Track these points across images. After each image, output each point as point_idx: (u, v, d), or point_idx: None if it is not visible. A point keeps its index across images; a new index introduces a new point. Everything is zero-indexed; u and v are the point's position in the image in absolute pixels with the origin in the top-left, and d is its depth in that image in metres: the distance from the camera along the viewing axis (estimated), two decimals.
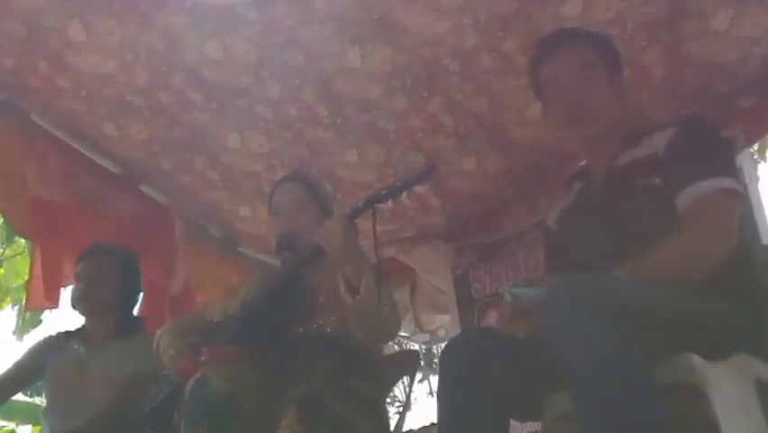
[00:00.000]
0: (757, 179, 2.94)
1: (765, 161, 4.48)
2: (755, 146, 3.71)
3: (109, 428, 2.53)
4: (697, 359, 1.46)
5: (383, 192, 1.97)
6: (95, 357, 2.72)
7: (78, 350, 2.76)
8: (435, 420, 1.70)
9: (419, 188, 3.36)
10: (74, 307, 2.80)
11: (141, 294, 3.00)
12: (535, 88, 1.99)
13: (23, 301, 4.58)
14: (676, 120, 1.87)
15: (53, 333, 2.90)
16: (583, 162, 2.02)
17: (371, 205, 1.97)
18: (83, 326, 2.84)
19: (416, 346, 4.95)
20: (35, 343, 2.88)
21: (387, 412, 2.22)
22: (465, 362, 1.66)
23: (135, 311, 2.98)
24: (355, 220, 2.03)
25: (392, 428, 2.31)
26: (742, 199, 1.69)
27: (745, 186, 2.33)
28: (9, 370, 2.79)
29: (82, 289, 2.76)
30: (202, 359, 2.00)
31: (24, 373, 2.81)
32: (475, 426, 1.60)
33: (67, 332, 2.87)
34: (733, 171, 1.70)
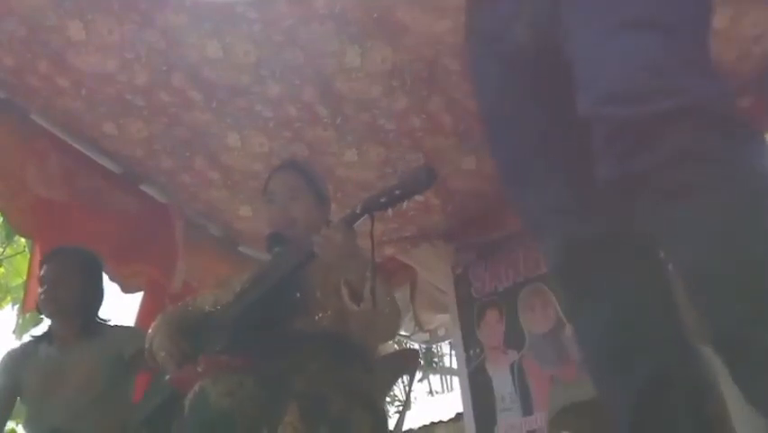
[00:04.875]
0: None
1: None
2: None
3: (103, 411, 2.54)
4: (705, 348, 1.46)
5: (382, 200, 1.88)
6: (70, 356, 2.70)
7: (50, 352, 2.74)
8: (434, 420, 1.68)
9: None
10: (39, 310, 2.80)
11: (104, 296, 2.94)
12: None
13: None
14: None
15: (16, 345, 2.87)
16: None
17: (369, 212, 1.90)
18: (49, 328, 2.82)
19: (416, 346, 4.95)
20: (2, 361, 2.81)
21: (385, 410, 2.21)
22: None
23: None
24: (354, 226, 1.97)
25: (392, 427, 2.31)
26: None
27: None
28: None
29: (46, 291, 2.74)
30: (199, 369, 1.99)
31: (9, 395, 2.76)
32: None
33: (32, 339, 2.85)
34: None
